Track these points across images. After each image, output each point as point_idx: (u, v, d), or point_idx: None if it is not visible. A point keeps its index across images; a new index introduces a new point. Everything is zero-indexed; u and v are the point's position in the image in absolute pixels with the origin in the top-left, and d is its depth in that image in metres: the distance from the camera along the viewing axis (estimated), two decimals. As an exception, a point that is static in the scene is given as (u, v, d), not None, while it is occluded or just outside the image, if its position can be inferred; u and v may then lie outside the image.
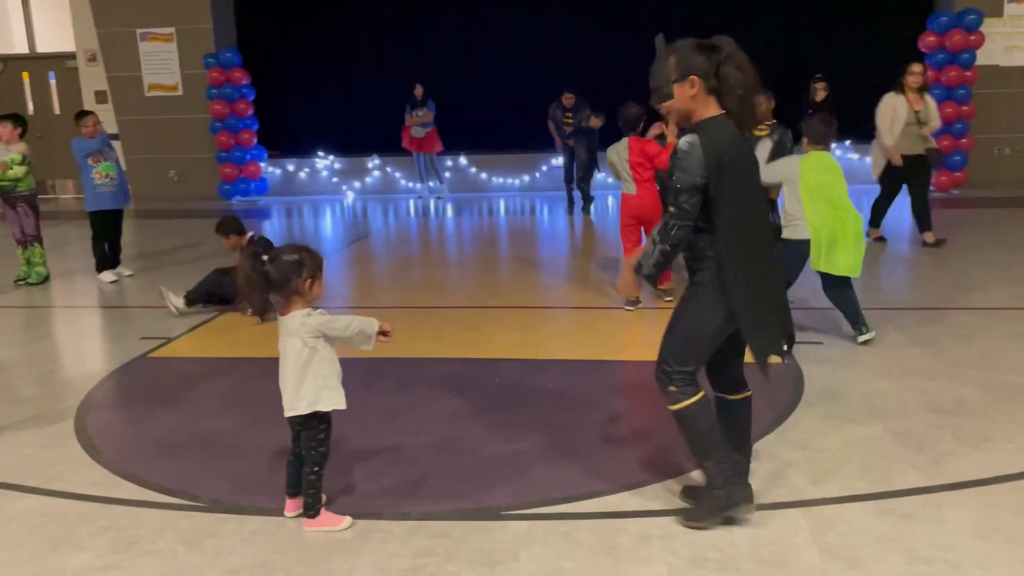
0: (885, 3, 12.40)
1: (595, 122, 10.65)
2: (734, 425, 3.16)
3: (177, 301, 6.23)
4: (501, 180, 13.45)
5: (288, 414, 3.09)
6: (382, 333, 3.13)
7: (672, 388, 2.98)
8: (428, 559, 2.92)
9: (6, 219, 7.61)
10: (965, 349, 5.01)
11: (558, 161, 12.40)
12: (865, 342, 5.07)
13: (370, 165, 13.64)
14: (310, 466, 3.12)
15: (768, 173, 4.95)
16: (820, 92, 10.88)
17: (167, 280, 7.57)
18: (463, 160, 13.43)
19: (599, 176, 11.57)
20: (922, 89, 7.93)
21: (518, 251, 8.81)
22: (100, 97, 13.93)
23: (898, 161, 7.89)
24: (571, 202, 11.50)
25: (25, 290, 7.49)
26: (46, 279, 7.71)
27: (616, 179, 6.29)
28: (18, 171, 7.34)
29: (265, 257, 2.99)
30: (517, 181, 13.43)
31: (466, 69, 13.30)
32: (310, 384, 3.04)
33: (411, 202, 12.70)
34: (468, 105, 13.07)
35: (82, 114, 7.66)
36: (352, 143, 13.57)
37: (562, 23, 12.97)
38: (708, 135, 2.82)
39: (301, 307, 3.06)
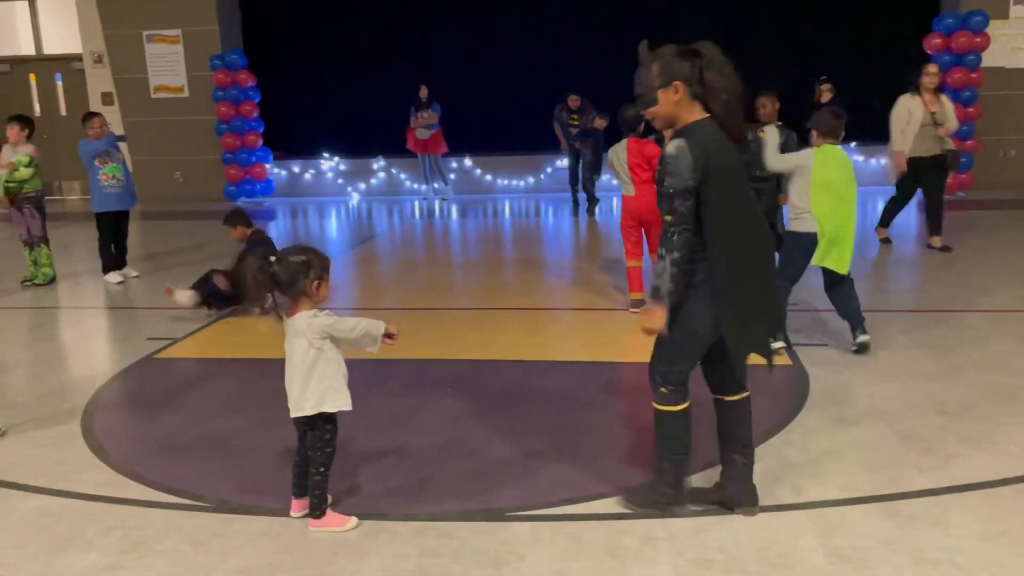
0: (891, 5, 12.40)
1: (599, 123, 10.67)
2: (734, 427, 3.17)
3: (182, 295, 6.19)
4: (506, 182, 13.46)
5: (294, 415, 3.10)
6: (387, 336, 3.14)
7: (664, 390, 3.06)
8: (434, 560, 2.93)
9: (13, 220, 7.64)
10: (971, 351, 5.00)
11: (563, 163, 12.42)
12: (860, 348, 4.95)
13: (375, 167, 13.66)
14: (316, 467, 3.13)
15: (778, 160, 4.92)
16: (826, 94, 10.87)
17: (171, 282, 7.59)
18: (468, 162, 13.45)
19: (605, 178, 11.57)
20: (938, 90, 7.84)
21: (523, 253, 8.82)
22: (106, 99, 13.97)
23: (902, 167, 7.86)
24: (576, 204, 11.51)
25: (32, 291, 7.52)
26: (52, 280, 7.73)
27: (618, 180, 6.30)
28: (25, 173, 7.37)
29: (272, 258, 3.00)
30: (522, 183, 13.44)
31: (471, 71, 13.31)
32: (316, 385, 3.05)
33: (416, 204, 12.72)
34: (473, 107, 13.09)
35: (89, 116, 7.69)
36: (357, 145, 13.59)
37: (567, 25, 12.98)
38: (695, 138, 2.85)
39: (308, 308, 3.07)
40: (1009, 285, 6.55)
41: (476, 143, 13.35)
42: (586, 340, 5.61)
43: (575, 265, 8.06)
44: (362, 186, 13.69)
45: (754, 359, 3.08)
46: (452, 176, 13.32)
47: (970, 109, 11.34)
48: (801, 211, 4.94)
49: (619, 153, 6.06)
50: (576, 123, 11.06)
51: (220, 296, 6.27)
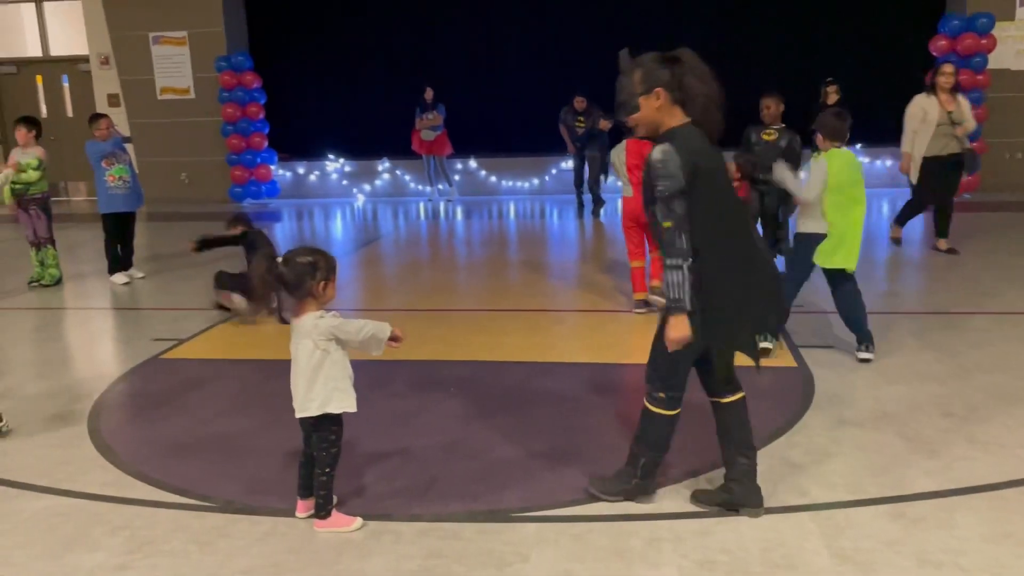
0: (896, 7, 12.38)
1: (604, 124, 10.68)
2: (733, 428, 3.19)
3: (240, 301, 6.08)
4: (511, 183, 13.47)
5: (299, 415, 3.11)
6: (392, 339, 3.15)
7: (661, 395, 3.12)
8: (439, 560, 2.93)
9: (19, 221, 7.67)
10: (977, 353, 5.00)
11: (568, 164, 12.43)
12: (864, 360, 4.90)
13: (380, 168, 13.68)
14: (322, 467, 3.14)
15: (809, 190, 4.76)
16: (832, 96, 10.86)
17: (177, 283, 7.63)
18: (473, 163, 13.46)
19: (610, 179, 11.57)
20: (955, 89, 7.71)
21: (528, 254, 8.83)
22: (113, 100, 14.02)
23: (906, 169, 7.81)
24: (580, 205, 11.52)
25: (38, 292, 7.54)
26: (59, 281, 7.76)
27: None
28: (33, 175, 7.40)
29: (279, 259, 3.01)
30: (527, 184, 13.45)
31: (476, 72, 13.33)
32: (321, 386, 3.06)
33: (421, 205, 12.73)
34: (478, 108, 13.10)
35: (96, 117, 7.71)
36: (362, 146, 13.61)
37: (573, 26, 12.99)
38: (679, 142, 2.90)
39: (315, 309, 3.08)
40: (1016, 287, 6.53)
41: (481, 144, 13.37)
42: (590, 341, 5.61)
43: (579, 267, 8.06)
44: (367, 187, 13.72)
45: (740, 359, 3.11)
46: (457, 177, 13.34)
47: (976, 111, 11.32)
48: (814, 213, 4.88)
49: (619, 154, 6.08)
50: (583, 125, 11.07)
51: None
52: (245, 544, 3.09)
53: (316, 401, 3.07)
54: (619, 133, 6.49)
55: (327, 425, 3.11)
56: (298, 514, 3.25)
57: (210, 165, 13.64)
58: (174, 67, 13.67)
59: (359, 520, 3.18)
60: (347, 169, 13.76)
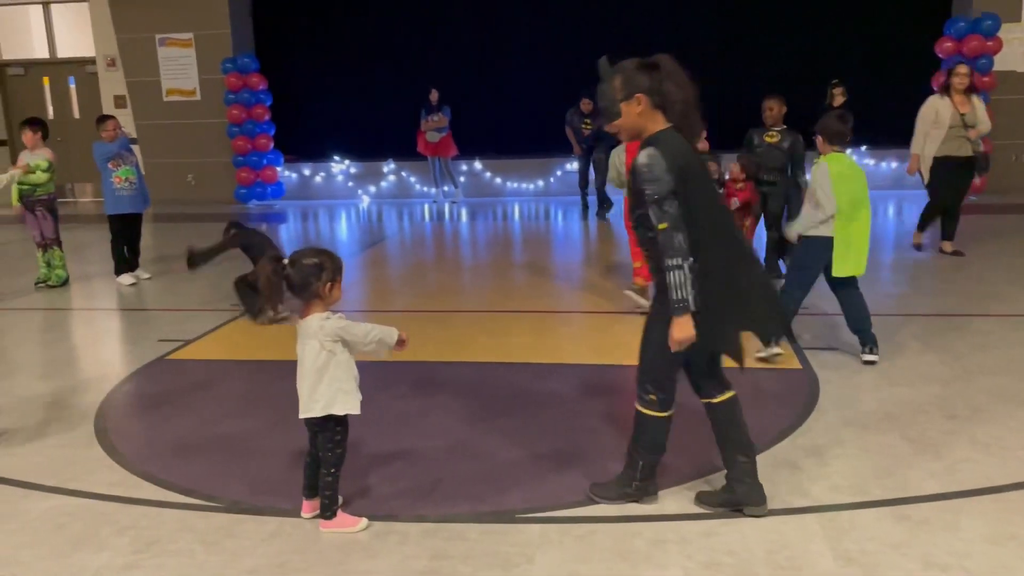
0: (902, 8, 12.37)
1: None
2: (728, 428, 3.20)
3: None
4: (516, 185, 13.49)
5: (302, 415, 3.13)
6: (399, 342, 3.16)
7: (652, 396, 3.15)
8: (444, 561, 2.94)
9: (26, 223, 7.71)
10: (982, 356, 4.99)
11: (573, 166, 12.43)
12: (869, 362, 4.89)
13: (385, 169, 13.71)
14: (327, 468, 3.15)
15: (827, 201, 4.67)
16: (838, 97, 10.82)
17: (183, 284, 7.65)
18: (478, 165, 13.48)
19: (615, 180, 11.58)
20: (969, 91, 7.60)
21: (533, 256, 8.84)
22: (119, 102, 14.07)
23: (913, 170, 7.78)
24: (585, 207, 11.52)
25: (45, 292, 7.58)
26: (66, 282, 7.79)
27: None
28: (41, 177, 7.44)
29: (285, 261, 3.02)
30: (532, 186, 13.46)
31: (481, 74, 13.35)
32: (326, 387, 3.07)
33: (426, 206, 12.76)
34: (483, 110, 13.13)
35: (103, 119, 7.74)
36: (368, 148, 13.65)
37: (578, 28, 12.99)
38: (663, 145, 2.93)
39: (321, 310, 3.09)
40: (1020, 289, 6.52)
41: (486, 146, 13.40)
42: (596, 343, 5.62)
43: (584, 268, 8.07)
44: (372, 189, 13.75)
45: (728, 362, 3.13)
46: (462, 179, 13.36)
47: (982, 113, 11.31)
48: (820, 217, 4.86)
49: (619, 154, 6.11)
50: (589, 127, 11.08)
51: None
52: (251, 544, 3.10)
53: (320, 402, 3.08)
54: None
55: (332, 426, 3.13)
56: (303, 514, 3.26)
57: (216, 166, 13.68)
58: (180, 69, 13.72)
59: (364, 520, 3.19)
60: (352, 170, 13.79)
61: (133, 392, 4.89)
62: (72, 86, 14.89)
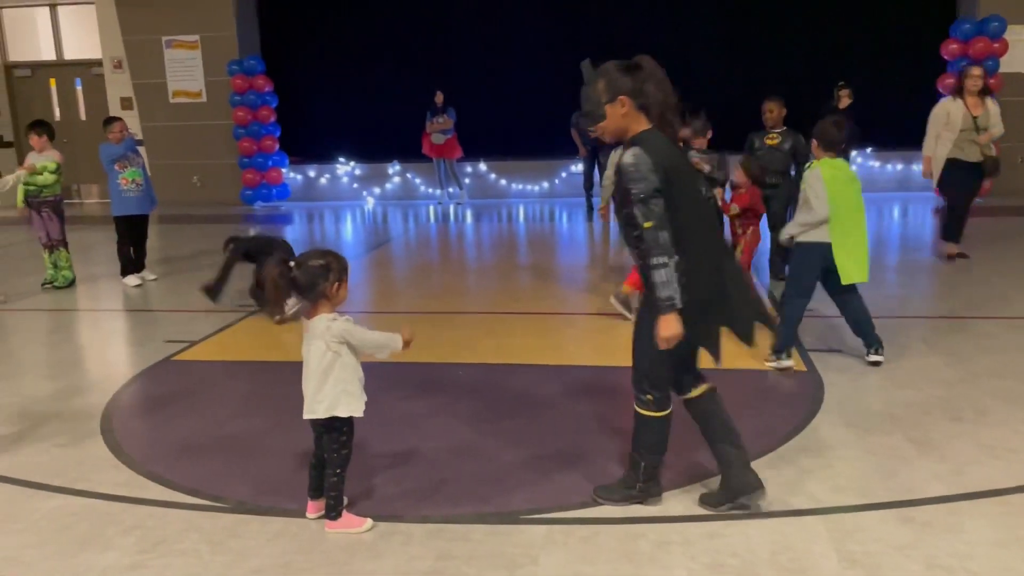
0: (908, 11, 12.36)
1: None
2: (709, 420, 3.23)
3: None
4: (520, 186, 13.50)
5: (306, 416, 3.14)
6: (404, 343, 3.17)
7: (649, 396, 3.16)
8: (448, 562, 2.95)
9: (32, 224, 7.74)
10: (987, 358, 4.99)
11: (577, 168, 12.44)
12: (874, 363, 4.89)
13: (390, 171, 13.73)
14: (332, 468, 3.16)
15: (820, 206, 4.69)
16: (844, 99, 10.80)
17: (189, 285, 7.67)
18: (483, 166, 13.50)
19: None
20: (983, 93, 7.45)
21: (537, 257, 8.85)
22: (125, 103, 14.11)
23: (927, 173, 7.67)
24: (590, 208, 11.53)
25: (51, 293, 7.60)
26: (72, 283, 7.82)
27: None
28: (48, 178, 7.47)
29: (292, 263, 3.04)
30: (536, 188, 13.48)
31: (486, 76, 13.36)
32: (330, 388, 3.08)
33: (431, 208, 12.77)
34: (488, 112, 13.14)
35: (110, 120, 7.76)
36: (373, 149, 13.67)
37: (583, 30, 13.00)
38: (647, 145, 2.98)
39: (328, 310, 3.11)
40: (1026, 292, 6.51)
41: (491, 148, 13.41)
42: (600, 344, 5.62)
43: (589, 270, 8.07)
44: (377, 190, 13.77)
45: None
46: (467, 181, 13.38)
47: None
48: (810, 220, 4.86)
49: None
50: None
51: None
52: (256, 544, 3.11)
53: (324, 403, 3.09)
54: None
55: (338, 426, 3.14)
56: (309, 515, 3.27)
57: (222, 168, 13.71)
58: (186, 71, 13.76)
59: (369, 521, 3.20)
60: (358, 172, 13.81)
61: (139, 393, 4.91)
62: (79, 88, 14.95)
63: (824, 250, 4.75)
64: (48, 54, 14.91)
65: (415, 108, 12.61)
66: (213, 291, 6.08)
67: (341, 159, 13.81)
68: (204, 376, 5.17)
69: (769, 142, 6.64)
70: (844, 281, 4.77)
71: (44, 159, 7.47)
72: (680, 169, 3.02)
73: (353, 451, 3.21)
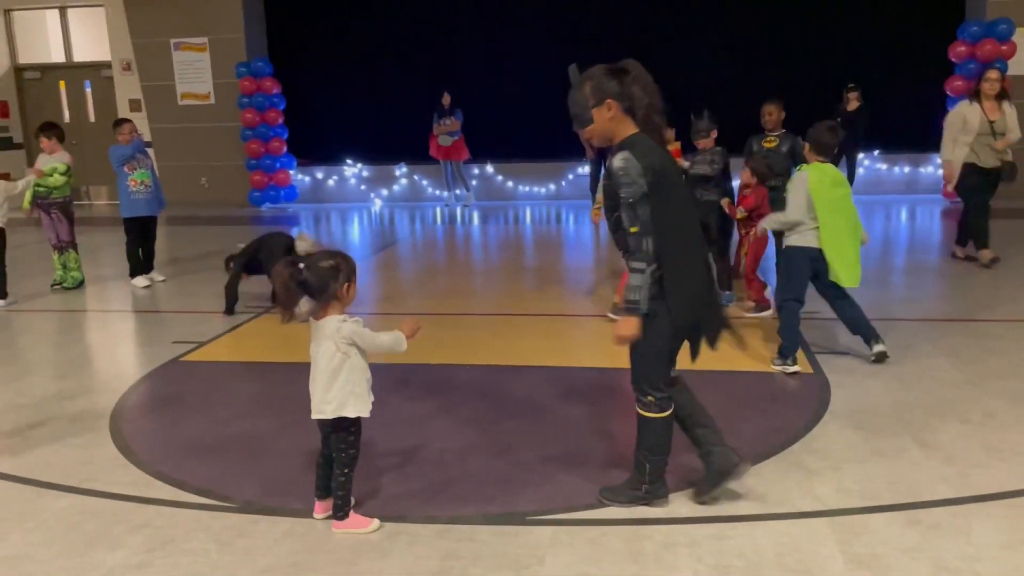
0: (916, 12, 12.33)
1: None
2: (687, 406, 3.28)
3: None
4: (527, 188, 13.51)
5: (314, 416, 3.15)
6: (409, 336, 3.19)
7: (651, 398, 3.19)
8: (455, 562, 2.96)
9: (42, 225, 7.78)
10: (994, 360, 4.97)
11: (584, 170, 12.45)
12: (879, 358, 4.89)
13: (398, 173, 13.76)
14: (340, 468, 3.18)
15: (793, 210, 4.77)
16: (853, 102, 10.81)
17: (197, 286, 7.70)
18: (490, 168, 13.51)
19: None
20: (1000, 96, 7.32)
21: (544, 259, 8.85)
22: (134, 105, 14.19)
23: (951, 178, 7.57)
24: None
25: (60, 294, 7.64)
26: (81, 284, 7.86)
27: None
28: (58, 180, 7.52)
29: (302, 265, 3.05)
30: (543, 190, 13.49)
31: (493, 78, 13.38)
32: (339, 389, 3.10)
33: (438, 210, 12.79)
34: (495, 114, 13.15)
35: (119, 122, 7.80)
36: (380, 151, 13.70)
37: (590, 32, 13.01)
38: (637, 149, 3.00)
39: (338, 311, 3.12)
40: (1034, 294, 6.49)
41: (498, 150, 13.42)
42: (606, 346, 5.60)
43: (595, 271, 8.08)
44: (384, 192, 13.80)
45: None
46: (474, 182, 13.40)
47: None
48: (800, 226, 4.84)
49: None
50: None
51: None
52: (264, 544, 3.12)
53: (332, 404, 3.10)
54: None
55: (346, 426, 3.15)
56: (316, 515, 3.28)
57: (230, 170, 13.76)
58: (195, 73, 13.82)
59: (376, 521, 3.21)
60: (365, 174, 13.85)
61: (148, 393, 4.93)
62: (88, 90, 15.03)
63: (811, 254, 4.78)
64: (57, 56, 14.99)
65: (422, 110, 12.64)
66: (229, 311, 6.42)
67: (348, 161, 13.84)
68: (212, 377, 5.19)
69: (767, 145, 6.63)
70: (843, 284, 4.80)
71: (54, 161, 7.52)
72: (668, 173, 3.05)
73: (360, 451, 3.23)
